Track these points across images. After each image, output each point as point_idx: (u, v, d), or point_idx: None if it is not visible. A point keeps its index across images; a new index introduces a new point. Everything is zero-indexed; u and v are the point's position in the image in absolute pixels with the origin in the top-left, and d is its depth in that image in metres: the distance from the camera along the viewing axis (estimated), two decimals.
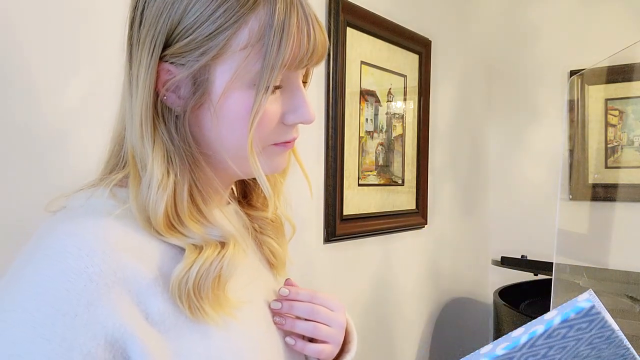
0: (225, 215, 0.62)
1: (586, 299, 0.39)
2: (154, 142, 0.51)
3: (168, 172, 0.51)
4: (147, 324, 0.47)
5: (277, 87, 0.54)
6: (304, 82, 0.58)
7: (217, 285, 0.52)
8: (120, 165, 0.56)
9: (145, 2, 0.52)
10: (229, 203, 0.64)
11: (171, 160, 0.52)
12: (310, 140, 1.49)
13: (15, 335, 0.43)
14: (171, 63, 0.51)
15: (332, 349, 0.64)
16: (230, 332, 0.53)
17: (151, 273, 0.49)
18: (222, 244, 0.53)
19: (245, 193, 0.69)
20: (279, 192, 0.67)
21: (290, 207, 0.69)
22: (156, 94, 0.52)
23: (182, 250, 0.52)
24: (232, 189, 0.68)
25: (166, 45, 0.51)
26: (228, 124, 0.53)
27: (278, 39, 0.50)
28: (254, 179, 0.66)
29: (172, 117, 0.53)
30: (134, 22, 0.53)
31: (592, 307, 0.39)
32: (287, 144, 0.58)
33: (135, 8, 0.53)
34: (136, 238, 0.50)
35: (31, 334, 0.43)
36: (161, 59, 0.51)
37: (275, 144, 0.57)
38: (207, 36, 0.50)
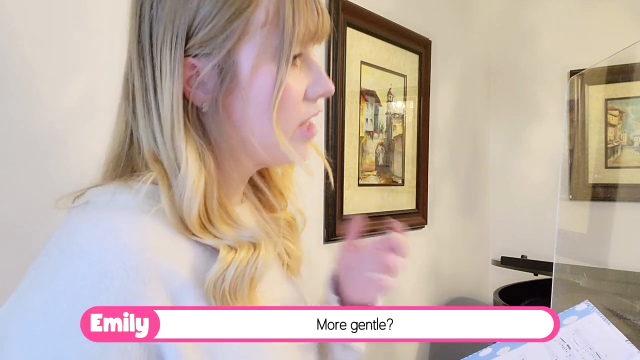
0: (249, 207, 0.62)
1: None
2: (186, 142, 0.51)
3: (200, 169, 0.52)
4: None
5: (294, 65, 0.55)
6: None
7: (250, 286, 0.52)
8: (140, 167, 0.55)
9: (150, 16, 0.52)
10: (243, 201, 0.64)
11: (203, 158, 0.52)
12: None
13: (54, 333, 0.43)
14: (194, 56, 0.52)
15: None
16: None
17: (185, 272, 0.49)
18: (254, 245, 0.54)
19: (257, 197, 0.68)
20: (290, 185, 0.68)
21: (302, 199, 0.70)
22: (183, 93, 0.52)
23: (214, 250, 0.52)
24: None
25: (187, 39, 0.51)
26: (258, 104, 0.54)
27: (291, 14, 0.52)
28: (265, 180, 0.67)
29: (200, 114, 0.54)
30: (141, 37, 0.53)
31: None
32: (309, 131, 0.59)
33: (140, 15, 0.53)
34: (169, 237, 0.50)
35: (69, 332, 0.43)
36: (184, 53, 0.51)
37: (300, 127, 0.58)
38: (227, 19, 0.51)
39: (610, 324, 0.62)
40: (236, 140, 0.55)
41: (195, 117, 0.53)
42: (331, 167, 1.50)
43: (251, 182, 0.65)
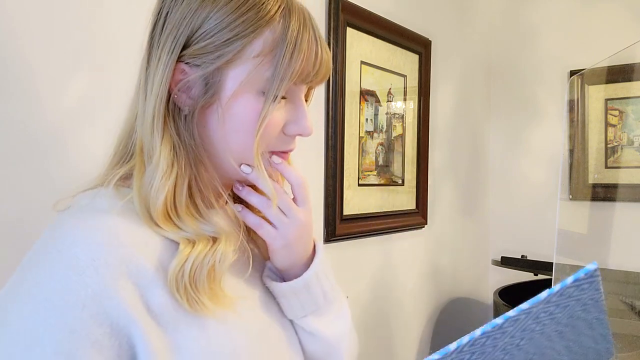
0: (225, 214, 0.63)
1: (592, 263, 0.47)
2: (162, 135, 0.55)
3: (172, 164, 0.55)
4: (149, 317, 0.50)
5: (282, 98, 0.58)
6: (306, 100, 0.62)
7: (212, 279, 0.54)
8: (125, 158, 0.59)
9: (169, 8, 0.56)
10: (227, 203, 0.65)
11: (177, 155, 0.55)
12: (310, 140, 1.49)
13: (27, 326, 0.46)
14: (186, 63, 0.55)
15: (280, 242, 0.61)
16: (228, 326, 0.55)
17: (153, 267, 0.52)
18: (214, 239, 0.56)
19: (242, 199, 0.69)
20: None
21: None
22: (169, 92, 0.56)
23: (178, 244, 0.54)
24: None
25: (185, 47, 0.55)
26: (233, 126, 0.57)
27: (290, 52, 0.55)
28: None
29: (180, 115, 0.57)
30: (156, 25, 0.57)
31: (597, 269, 0.47)
32: (284, 154, 0.61)
33: (159, 13, 0.57)
34: (139, 233, 0.53)
35: (42, 325, 0.46)
36: (179, 59, 0.55)
37: (273, 152, 0.60)
38: (224, 41, 0.54)
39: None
40: (206, 149, 0.58)
41: (176, 117, 0.56)
42: (330, 170, 1.50)
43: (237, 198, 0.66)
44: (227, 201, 0.63)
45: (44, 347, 0.45)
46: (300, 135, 0.61)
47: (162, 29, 0.56)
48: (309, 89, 0.63)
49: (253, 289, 0.63)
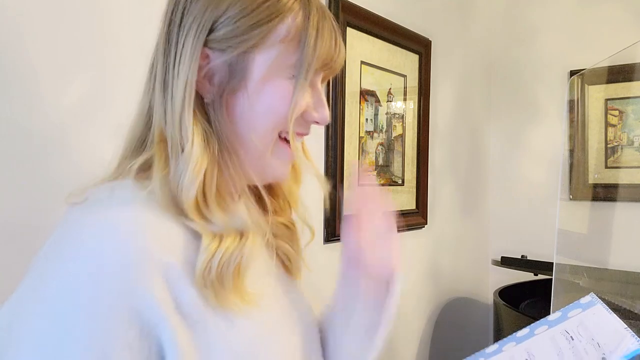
0: (244, 207, 0.63)
1: None
2: (194, 125, 0.54)
3: (204, 153, 0.54)
4: (178, 315, 0.49)
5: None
6: None
7: (237, 276, 0.54)
8: (143, 146, 0.58)
9: None
10: (239, 198, 0.65)
11: (208, 143, 0.55)
12: (311, 140, 1.48)
13: (57, 328, 0.45)
14: (210, 48, 0.55)
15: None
16: (254, 321, 0.55)
17: (179, 263, 0.51)
18: (241, 234, 0.55)
19: (259, 200, 0.69)
20: (296, 201, 0.70)
21: (310, 214, 0.72)
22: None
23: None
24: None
25: (210, 32, 0.55)
26: (262, 109, 0.57)
27: (314, 38, 0.56)
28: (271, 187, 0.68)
29: (203, 104, 0.56)
30: (174, 14, 0.57)
31: None
32: (287, 143, 0.60)
33: (175, 4, 0.57)
34: (163, 226, 0.52)
35: (72, 326, 0.44)
36: (204, 44, 0.55)
37: (280, 139, 0.60)
38: (250, 25, 0.55)
39: (613, 313, 0.64)
40: (234, 137, 0.58)
41: (200, 105, 0.56)
42: (330, 170, 1.50)
43: (251, 188, 0.65)
44: (240, 195, 0.63)
45: (75, 349, 0.44)
46: (317, 123, 0.62)
47: (183, 16, 0.56)
48: (322, 81, 0.64)
49: (272, 285, 0.64)
